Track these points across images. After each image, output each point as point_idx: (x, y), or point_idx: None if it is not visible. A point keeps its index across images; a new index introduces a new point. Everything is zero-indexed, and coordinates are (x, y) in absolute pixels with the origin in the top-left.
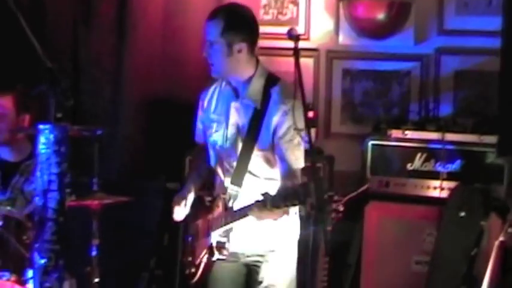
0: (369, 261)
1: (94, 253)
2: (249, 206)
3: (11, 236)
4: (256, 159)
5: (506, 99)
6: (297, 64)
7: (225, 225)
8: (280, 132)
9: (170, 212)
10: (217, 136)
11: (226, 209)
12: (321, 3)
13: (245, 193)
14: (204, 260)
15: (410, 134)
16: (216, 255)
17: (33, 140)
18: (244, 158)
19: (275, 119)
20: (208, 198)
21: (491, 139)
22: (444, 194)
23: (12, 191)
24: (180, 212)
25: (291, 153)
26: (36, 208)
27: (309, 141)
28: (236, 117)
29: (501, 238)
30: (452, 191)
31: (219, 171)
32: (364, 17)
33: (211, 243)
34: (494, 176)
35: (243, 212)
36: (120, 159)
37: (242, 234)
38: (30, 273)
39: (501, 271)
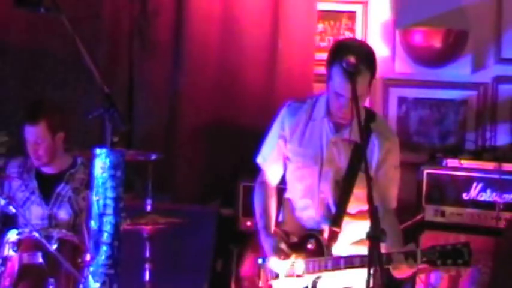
0: None
1: (147, 278)
2: (387, 254)
3: (66, 258)
4: (355, 198)
5: None
6: (354, 92)
7: (331, 269)
8: (383, 169)
9: (224, 238)
10: (307, 172)
11: (326, 251)
12: (378, 30)
13: (344, 236)
14: None
15: (466, 163)
16: None
17: (71, 150)
18: (344, 197)
19: (378, 157)
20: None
21: None
22: (501, 224)
23: (57, 198)
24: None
25: (393, 191)
26: (91, 232)
27: (365, 170)
28: (334, 153)
29: None
30: (509, 221)
31: (304, 208)
32: (420, 45)
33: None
34: None
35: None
36: (174, 184)
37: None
38: None
39: None
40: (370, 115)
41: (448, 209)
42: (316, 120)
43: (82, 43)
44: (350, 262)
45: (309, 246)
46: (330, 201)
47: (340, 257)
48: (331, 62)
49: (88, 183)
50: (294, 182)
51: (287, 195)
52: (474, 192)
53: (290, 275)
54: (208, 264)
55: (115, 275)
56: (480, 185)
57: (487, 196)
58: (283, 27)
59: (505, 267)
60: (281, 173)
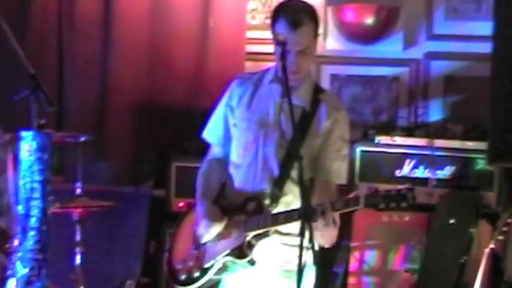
0: (357, 269)
1: (78, 261)
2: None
3: None
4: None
5: (496, 105)
6: (285, 70)
7: (266, 227)
8: (330, 140)
9: (156, 220)
10: (252, 135)
11: (266, 212)
12: None
13: (286, 200)
14: (222, 261)
15: (399, 140)
16: (249, 255)
17: None
18: (287, 162)
19: (325, 125)
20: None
21: (481, 145)
22: (434, 200)
23: None
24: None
25: (339, 165)
26: (18, 216)
27: (296, 148)
28: (281, 116)
29: (491, 245)
30: (441, 197)
31: (247, 172)
32: (352, 22)
33: (241, 244)
34: (484, 182)
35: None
36: (105, 166)
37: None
38: (11, 282)
39: (491, 278)
40: (320, 87)
41: (382, 186)
42: (265, 85)
43: (8, 23)
44: (289, 216)
45: (249, 207)
46: (274, 164)
47: (279, 213)
48: (274, 21)
49: (5, 165)
50: (239, 147)
51: (230, 169)
52: (407, 169)
53: (225, 236)
54: (141, 246)
55: (44, 260)
56: (413, 162)
57: (420, 173)
58: (215, 5)
59: (438, 243)
60: (228, 144)
